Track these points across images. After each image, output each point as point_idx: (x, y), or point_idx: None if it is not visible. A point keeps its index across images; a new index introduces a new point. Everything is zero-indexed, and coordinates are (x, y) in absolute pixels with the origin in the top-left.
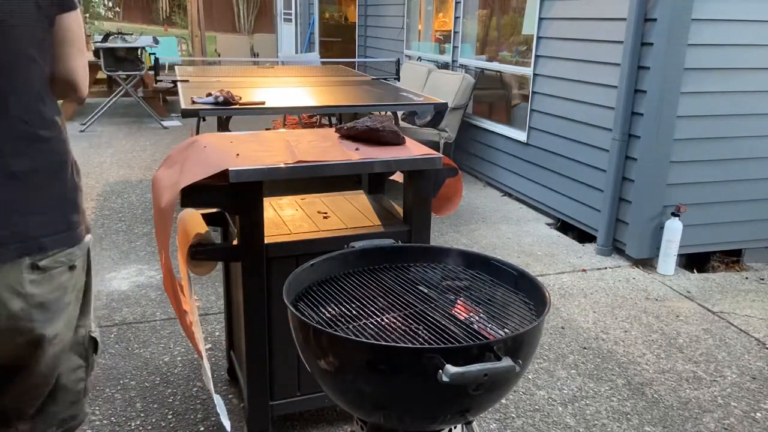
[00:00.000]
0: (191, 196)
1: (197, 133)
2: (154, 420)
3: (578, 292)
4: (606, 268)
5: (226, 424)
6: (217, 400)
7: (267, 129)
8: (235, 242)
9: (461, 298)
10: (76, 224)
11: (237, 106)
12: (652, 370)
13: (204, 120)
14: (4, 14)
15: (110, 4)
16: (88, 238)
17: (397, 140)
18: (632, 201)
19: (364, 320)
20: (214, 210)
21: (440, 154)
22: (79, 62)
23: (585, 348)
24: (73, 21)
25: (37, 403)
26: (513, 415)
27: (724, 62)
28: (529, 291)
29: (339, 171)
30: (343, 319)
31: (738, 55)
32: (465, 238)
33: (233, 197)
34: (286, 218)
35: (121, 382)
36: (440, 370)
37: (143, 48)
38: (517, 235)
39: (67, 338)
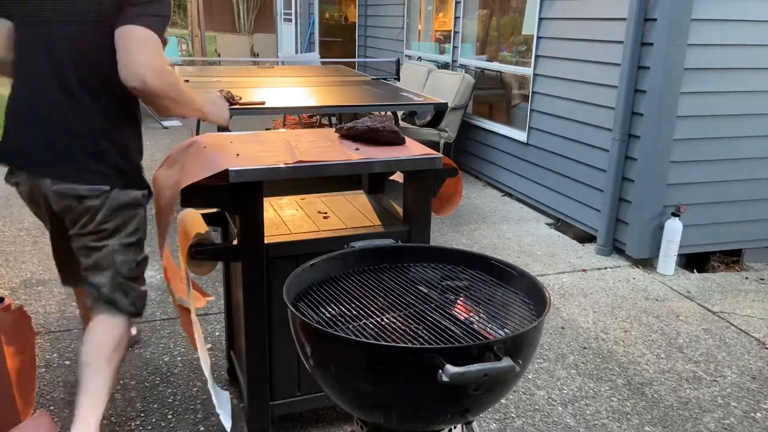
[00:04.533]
0: (191, 195)
1: (197, 133)
2: (154, 420)
3: (578, 292)
4: (606, 268)
5: (227, 424)
6: (224, 396)
7: (267, 129)
8: (235, 242)
9: (461, 298)
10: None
11: (237, 106)
12: (652, 370)
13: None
14: None
15: None
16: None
17: (397, 140)
18: (632, 201)
19: (364, 320)
20: (214, 210)
21: (440, 154)
22: None
23: (585, 348)
24: None
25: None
26: (513, 415)
27: (724, 62)
28: (529, 291)
29: (339, 171)
30: (343, 319)
31: (738, 55)
32: (465, 238)
33: (233, 197)
34: (286, 218)
35: (121, 382)
36: (440, 370)
37: None
38: (517, 235)
39: None
